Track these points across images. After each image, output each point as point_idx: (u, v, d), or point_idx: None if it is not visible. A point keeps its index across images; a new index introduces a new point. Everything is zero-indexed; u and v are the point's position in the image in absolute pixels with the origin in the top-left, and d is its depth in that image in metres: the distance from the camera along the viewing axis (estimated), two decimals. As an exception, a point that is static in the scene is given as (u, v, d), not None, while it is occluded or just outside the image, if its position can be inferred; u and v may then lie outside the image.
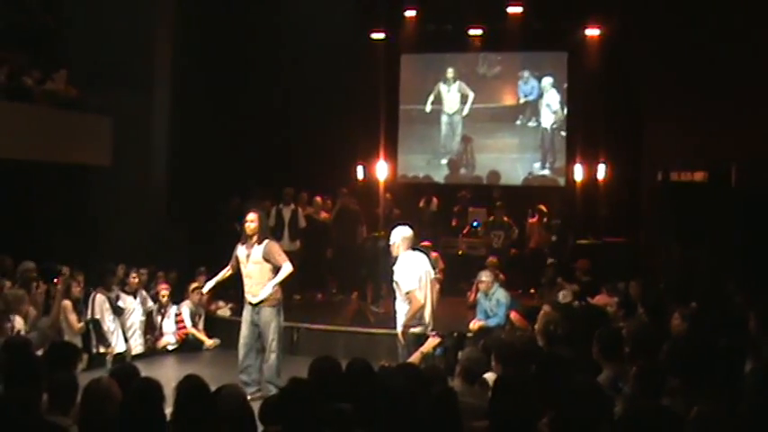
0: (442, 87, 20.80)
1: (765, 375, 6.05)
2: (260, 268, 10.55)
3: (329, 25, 17.31)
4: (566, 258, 16.16)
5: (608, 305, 11.00)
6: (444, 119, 20.87)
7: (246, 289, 10.71)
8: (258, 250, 10.54)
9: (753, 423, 4.71)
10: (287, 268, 10.54)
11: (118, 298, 12.84)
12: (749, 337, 7.98)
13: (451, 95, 20.82)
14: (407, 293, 9.32)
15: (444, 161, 20.88)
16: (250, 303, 10.68)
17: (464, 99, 20.73)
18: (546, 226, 17.75)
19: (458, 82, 20.73)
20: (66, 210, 14.82)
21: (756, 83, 14.90)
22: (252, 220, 10.57)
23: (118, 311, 12.69)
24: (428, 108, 20.84)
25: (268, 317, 10.56)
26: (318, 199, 16.73)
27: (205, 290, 11.63)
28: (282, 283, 10.71)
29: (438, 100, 20.86)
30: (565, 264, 15.66)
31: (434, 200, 18.42)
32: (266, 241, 10.61)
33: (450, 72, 20.76)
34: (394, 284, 9.54)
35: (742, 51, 15.07)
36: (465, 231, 18.37)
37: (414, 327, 9.34)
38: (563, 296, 12.11)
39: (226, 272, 10.96)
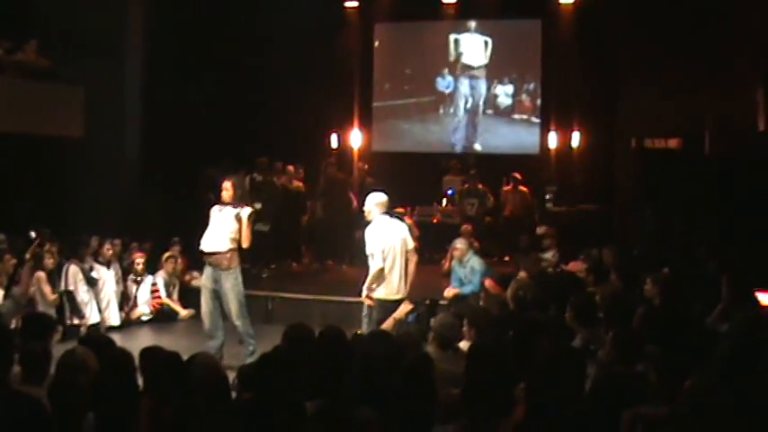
0: (463, 39, 20.43)
1: (738, 340, 6.09)
2: (227, 225, 10.46)
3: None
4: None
5: (579, 271, 11.05)
6: (464, 87, 20.46)
7: (206, 238, 10.52)
8: (231, 211, 10.48)
9: (725, 387, 4.74)
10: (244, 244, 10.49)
11: (92, 269, 12.77)
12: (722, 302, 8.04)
13: (475, 48, 20.36)
14: (368, 256, 9.40)
15: (422, 127, 20.76)
16: (205, 254, 10.54)
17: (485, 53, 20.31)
18: (534, 194, 17.74)
19: (480, 35, 20.38)
20: (38, 181, 14.73)
21: (729, 49, 14.95)
22: (226, 189, 10.53)
23: (92, 282, 12.63)
24: (444, 83, 20.53)
25: (228, 284, 10.51)
26: (291, 168, 16.63)
27: None
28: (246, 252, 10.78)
29: (456, 60, 20.48)
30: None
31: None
32: (247, 209, 10.54)
33: (472, 23, 20.37)
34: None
35: (715, 18, 15.10)
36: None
37: (378, 292, 9.39)
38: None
39: None
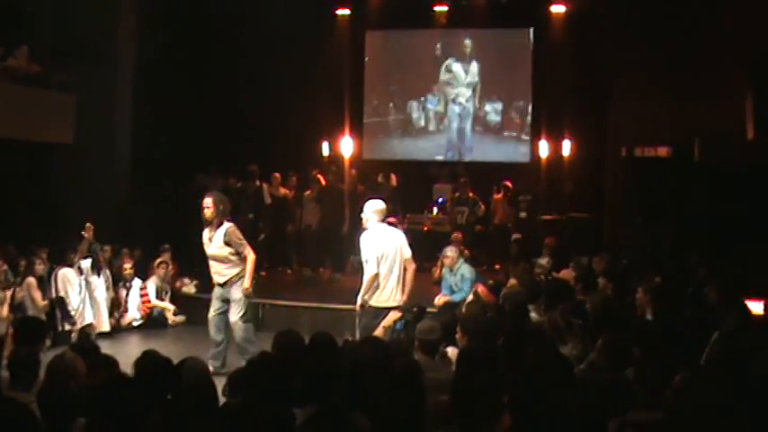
0: (456, 67, 20.43)
1: (727, 347, 6.10)
2: (222, 251, 10.50)
3: (295, 0, 17.17)
4: (535, 234, 16.15)
5: (568, 279, 11.06)
6: (455, 109, 20.43)
7: (213, 270, 10.69)
8: (219, 235, 10.47)
9: (716, 392, 4.73)
10: (251, 258, 10.52)
11: (81, 271, 12.74)
12: (711, 309, 8.05)
13: (470, 79, 20.33)
14: (364, 262, 9.41)
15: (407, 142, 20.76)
16: (218, 284, 10.67)
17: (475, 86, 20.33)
18: (512, 202, 17.77)
19: (474, 61, 20.37)
20: (29, 188, 14.69)
21: (718, 58, 14.99)
22: (207, 206, 10.50)
23: (82, 272, 12.54)
24: (434, 101, 20.49)
25: (238, 294, 10.53)
26: (277, 175, 16.66)
27: None
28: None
29: (448, 83, 20.43)
30: (532, 240, 15.69)
31: (392, 176, 18.13)
32: (226, 225, 10.52)
33: (467, 44, 20.30)
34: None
35: (705, 28, 15.14)
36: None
37: (373, 300, 9.38)
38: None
39: None
